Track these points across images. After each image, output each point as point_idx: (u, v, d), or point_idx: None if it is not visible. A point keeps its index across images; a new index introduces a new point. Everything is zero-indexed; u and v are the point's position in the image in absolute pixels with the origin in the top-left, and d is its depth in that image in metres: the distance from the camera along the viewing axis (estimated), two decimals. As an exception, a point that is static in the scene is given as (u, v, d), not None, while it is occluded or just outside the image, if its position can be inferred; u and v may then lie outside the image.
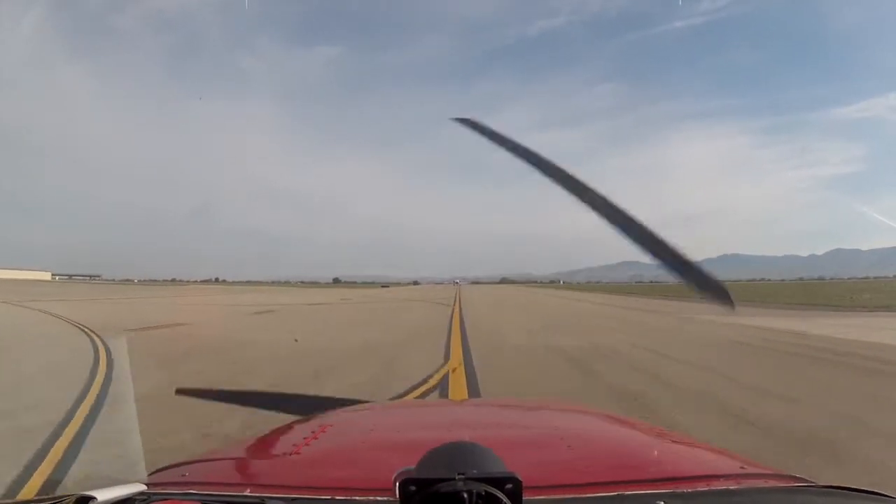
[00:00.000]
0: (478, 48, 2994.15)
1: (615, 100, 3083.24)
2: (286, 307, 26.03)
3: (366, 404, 2.15)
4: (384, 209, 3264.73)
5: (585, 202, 1.43)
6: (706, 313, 15.97)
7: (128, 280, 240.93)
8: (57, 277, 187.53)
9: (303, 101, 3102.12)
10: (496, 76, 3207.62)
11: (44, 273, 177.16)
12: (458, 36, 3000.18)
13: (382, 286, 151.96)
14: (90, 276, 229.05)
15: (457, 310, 22.75)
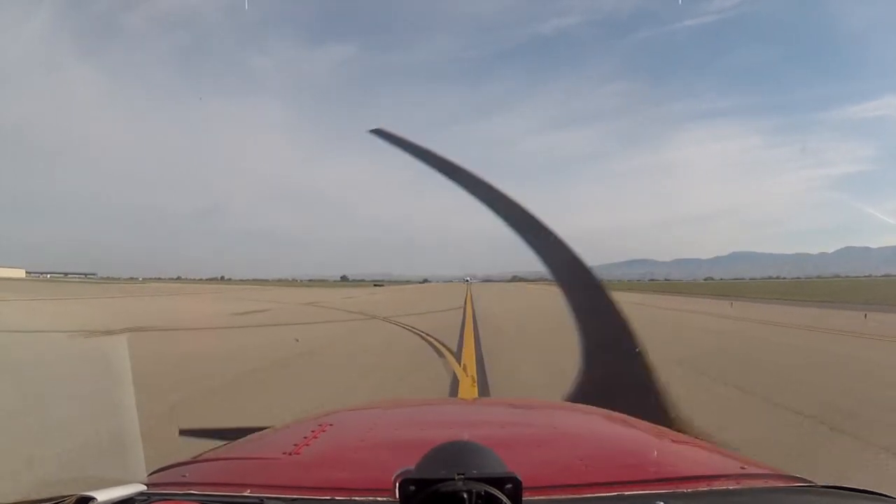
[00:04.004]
0: (488, 48, 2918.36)
1: (625, 99, 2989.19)
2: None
3: (365, 404, 2.05)
4: (394, 207, 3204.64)
5: (498, 212, 1.54)
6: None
7: (133, 278, 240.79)
8: (48, 276, 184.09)
9: (313, 101, 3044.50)
10: (506, 75, 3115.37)
11: (17, 270, 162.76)
12: (469, 35, 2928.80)
13: (375, 284, 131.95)
14: (85, 275, 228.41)
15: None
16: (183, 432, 4.08)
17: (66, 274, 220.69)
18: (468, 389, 6.63)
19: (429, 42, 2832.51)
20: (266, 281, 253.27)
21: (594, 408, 2.17)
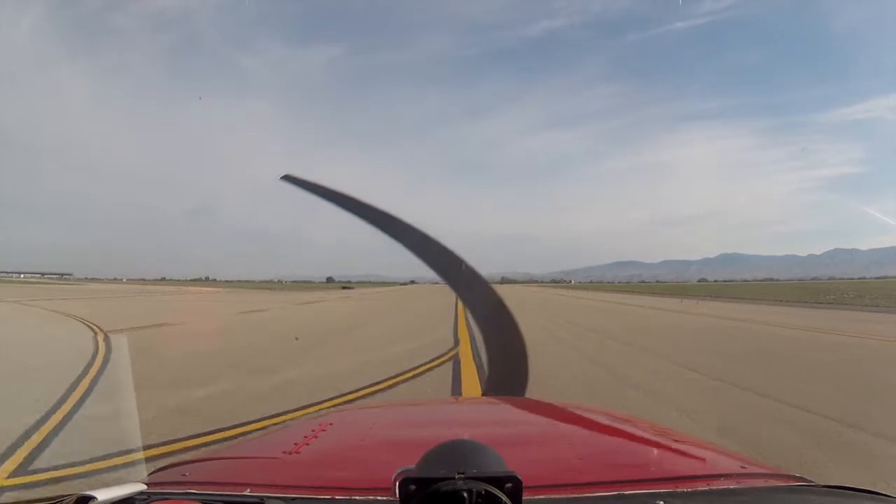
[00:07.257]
0: (478, 48, 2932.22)
1: (615, 100, 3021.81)
2: None
3: (365, 403, 2.07)
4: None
5: (406, 244, 1.67)
6: None
7: (116, 279, 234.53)
8: (21, 275, 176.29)
9: (302, 101, 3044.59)
10: (496, 76, 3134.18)
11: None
12: (459, 36, 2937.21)
13: (343, 287, 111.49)
14: (60, 275, 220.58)
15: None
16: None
17: (42, 274, 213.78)
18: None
19: (421, 43, 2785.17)
20: (249, 282, 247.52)
21: (594, 407, 2.16)
